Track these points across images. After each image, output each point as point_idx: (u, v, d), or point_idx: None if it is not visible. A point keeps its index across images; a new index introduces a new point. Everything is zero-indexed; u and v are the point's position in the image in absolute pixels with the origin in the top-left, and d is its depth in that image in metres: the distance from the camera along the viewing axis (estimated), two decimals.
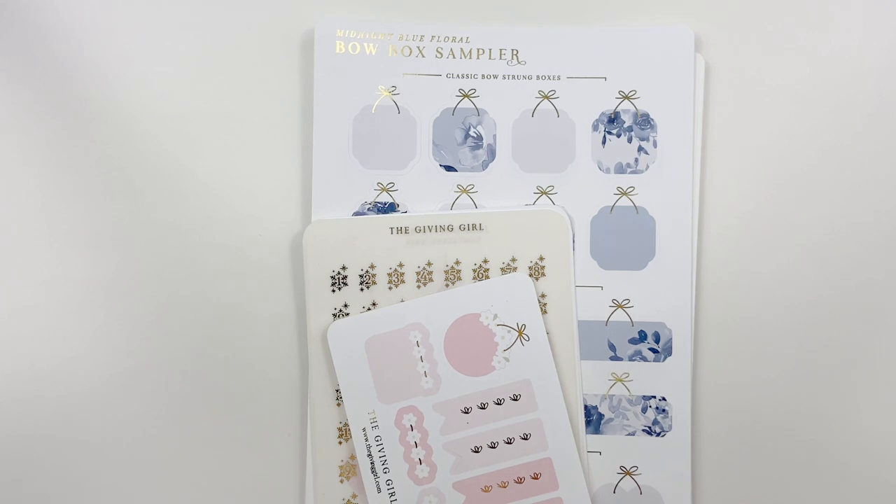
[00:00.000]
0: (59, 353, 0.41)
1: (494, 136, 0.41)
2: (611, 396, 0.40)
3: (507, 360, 0.39)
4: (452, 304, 0.40)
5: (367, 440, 0.39)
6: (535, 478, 0.39)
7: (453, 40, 0.41)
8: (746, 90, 0.41)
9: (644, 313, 0.40)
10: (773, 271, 0.40)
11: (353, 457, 0.40)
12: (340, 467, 0.40)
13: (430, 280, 0.40)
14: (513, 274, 0.40)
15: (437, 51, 0.41)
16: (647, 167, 0.40)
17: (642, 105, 0.41)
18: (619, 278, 0.40)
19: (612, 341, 0.40)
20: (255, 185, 0.41)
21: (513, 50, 0.41)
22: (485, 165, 0.41)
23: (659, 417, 0.40)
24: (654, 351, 0.40)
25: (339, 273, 0.40)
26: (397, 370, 0.39)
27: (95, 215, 0.41)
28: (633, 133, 0.41)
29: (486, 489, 0.39)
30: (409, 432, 0.39)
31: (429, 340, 0.39)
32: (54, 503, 0.41)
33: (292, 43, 0.41)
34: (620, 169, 0.41)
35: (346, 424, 0.40)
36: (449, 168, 0.41)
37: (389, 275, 0.40)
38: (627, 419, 0.40)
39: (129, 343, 0.41)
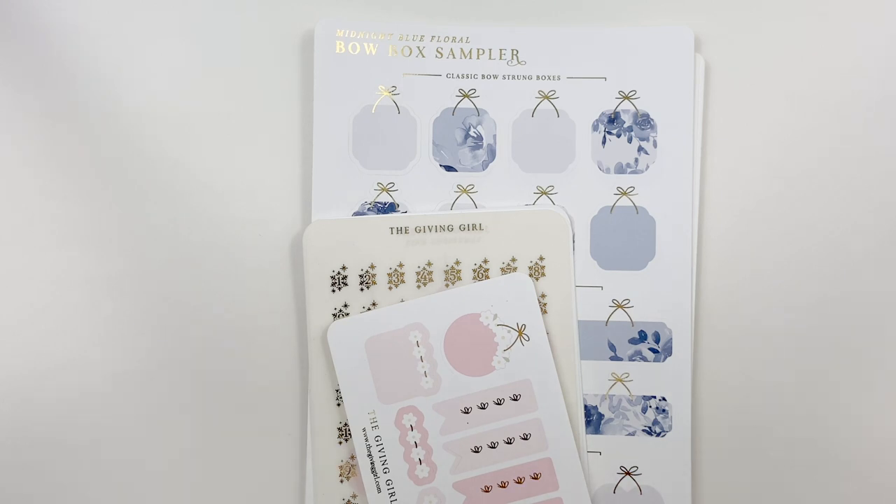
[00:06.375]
0: (60, 352, 0.41)
1: (494, 136, 0.41)
2: (611, 396, 0.40)
3: (507, 360, 0.39)
4: (452, 304, 0.40)
5: (367, 440, 0.39)
6: (535, 478, 0.39)
7: (453, 40, 0.41)
8: (746, 90, 0.41)
9: (644, 313, 0.40)
10: (773, 271, 0.40)
11: (353, 457, 0.40)
12: (340, 467, 0.40)
13: (430, 280, 0.40)
14: (513, 274, 0.40)
15: (437, 51, 0.41)
16: (647, 167, 0.40)
17: (642, 105, 0.41)
18: (619, 278, 0.40)
19: (612, 341, 0.40)
20: (255, 185, 0.41)
21: (513, 50, 0.41)
22: (485, 165, 0.41)
23: (659, 417, 0.40)
24: (654, 351, 0.40)
25: (339, 273, 0.40)
26: (397, 370, 0.39)
27: (95, 216, 0.41)
28: (633, 133, 0.40)
29: (486, 489, 0.39)
30: (409, 432, 0.39)
31: (429, 340, 0.39)
32: (57, 502, 0.41)
33: (292, 43, 0.41)
34: (620, 169, 0.41)
35: (346, 424, 0.40)
36: (449, 168, 0.41)
37: (389, 275, 0.40)
38: (627, 419, 0.40)
39: (129, 343, 0.41)
